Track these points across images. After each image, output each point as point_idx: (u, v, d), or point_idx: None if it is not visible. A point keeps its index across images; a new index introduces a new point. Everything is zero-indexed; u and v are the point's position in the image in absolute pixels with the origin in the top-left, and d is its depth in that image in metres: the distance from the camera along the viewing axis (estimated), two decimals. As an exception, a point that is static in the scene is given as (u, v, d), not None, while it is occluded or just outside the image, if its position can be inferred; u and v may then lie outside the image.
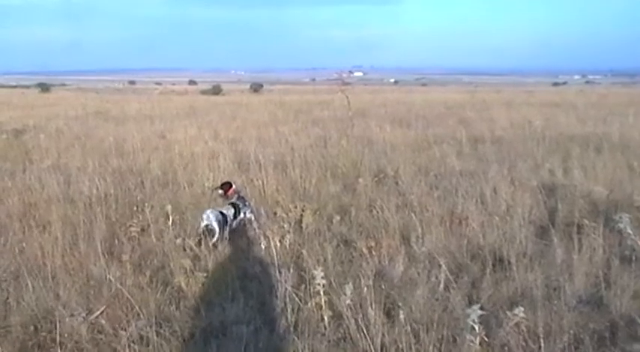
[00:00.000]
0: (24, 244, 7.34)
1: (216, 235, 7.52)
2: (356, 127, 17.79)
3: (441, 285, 5.81)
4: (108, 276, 6.17)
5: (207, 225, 7.64)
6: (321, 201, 9.36)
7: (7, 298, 5.98)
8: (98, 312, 5.46)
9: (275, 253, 6.69)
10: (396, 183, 10.77)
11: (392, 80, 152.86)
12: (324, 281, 4.72)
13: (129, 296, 5.63)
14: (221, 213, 7.85)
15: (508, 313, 4.79)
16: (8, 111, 30.41)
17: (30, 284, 5.95)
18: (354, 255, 6.94)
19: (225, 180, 9.27)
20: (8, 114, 28.18)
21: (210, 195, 9.53)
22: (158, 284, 6.12)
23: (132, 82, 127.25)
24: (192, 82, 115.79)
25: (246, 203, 8.43)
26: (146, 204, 8.99)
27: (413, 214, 8.13)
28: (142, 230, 7.85)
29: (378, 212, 8.62)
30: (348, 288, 4.98)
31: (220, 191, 8.62)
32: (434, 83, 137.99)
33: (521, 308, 4.65)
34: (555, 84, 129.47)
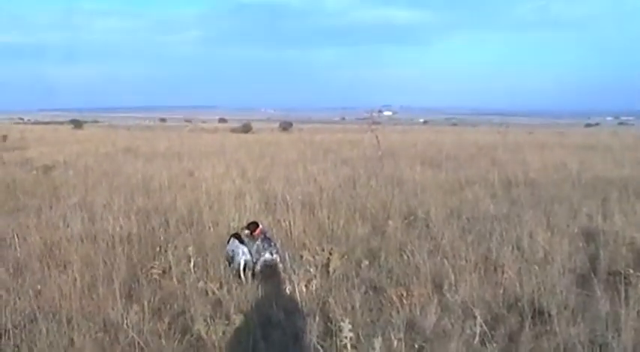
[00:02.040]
0: (41, 285, 7.10)
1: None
2: (385, 167, 17.59)
3: (477, 338, 5.42)
4: (125, 322, 5.88)
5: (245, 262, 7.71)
6: (349, 243, 9.07)
7: (21, 342, 5.72)
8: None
9: (300, 299, 6.40)
10: (427, 226, 10.42)
11: (421, 120, 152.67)
12: (351, 335, 4.38)
13: (144, 346, 5.34)
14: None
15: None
16: (40, 147, 30.62)
17: (44, 329, 5.70)
18: (384, 303, 6.58)
19: (251, 220, 9.01)
20: (40, 150, 28.33)
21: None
22: (176, 331, 5.83)
23: (163, 120, 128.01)
24: (222, 120, 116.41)
25: (272, 244, 8.15)
26: (169, 245, 8.78)
27: (445, 260, 7.78)
28: (164, 272, 7.60)
29: (408, 257, 8.29)
30: (377, 342, 4.61)
31: (247, 231, 8.35)
32: (464, 123, 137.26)
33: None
34: (588, 125, 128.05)
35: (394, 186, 14.80)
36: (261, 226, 8.40)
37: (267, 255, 7.89)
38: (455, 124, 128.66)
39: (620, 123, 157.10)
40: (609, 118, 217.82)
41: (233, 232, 9.36)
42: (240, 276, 7.51)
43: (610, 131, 72.83)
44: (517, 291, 6.78)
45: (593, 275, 7.10)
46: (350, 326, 4.33)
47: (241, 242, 8.15)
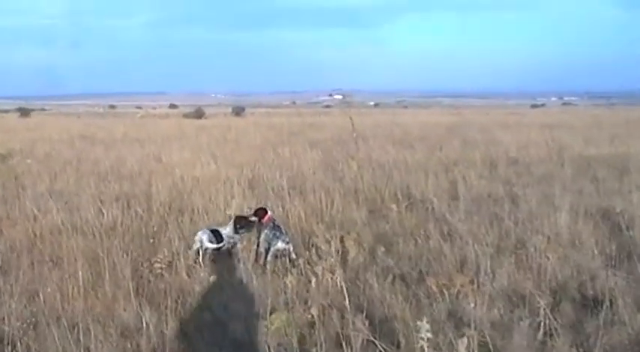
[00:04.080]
0: (36, 284, 6.40)
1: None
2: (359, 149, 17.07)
3: (541, 330, 4.92)
4: (144, 324, 5.24)
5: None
6: (354, 229, 8.50)
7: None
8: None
9: (329, 292, 5.86)
10: (427, 209, 9.97)
11: (371, 103, 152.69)
12: (429, 335, 3.84)
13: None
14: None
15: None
16: (-13, 136, 29.27)
17: (53, 336, 5.03)
18: (418, 293, 6.02)
19: (260, 206, 8.43)
20: (-11, 139, 27.05)
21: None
22: (205, 333, 5.21)
23: (112, 106, 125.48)
24: (173, 106, 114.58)
25: (283, 231, 7.59)
26: (162, 235, 8.17)
27: (467, 245, 7.29)
28: (169, 265, 6.94)
29: (422, 242, 7.81)
30: (462, 343, 4.06)
31: (254, 218, 7.75)
32: (414, 105, 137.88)
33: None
34: (534, 105, 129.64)
35: (374, 168, 14.38)
36: (270, 213, 7.82)
37: (280, 244, 7.35)
38: (406, 107, 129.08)
39: (564, 104, 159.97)
40: (554, 99, 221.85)
41: (225, 216, 8.86)
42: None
43: (558, 111, 74.00)
44: (558, 277, 6.31)
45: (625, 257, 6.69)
46: (428, 326, 3.79)
47: (241, 227, 7.67)
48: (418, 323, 3.85)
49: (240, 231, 7.63)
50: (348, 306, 5.38)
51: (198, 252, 7.34)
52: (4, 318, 5.57)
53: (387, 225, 8.93)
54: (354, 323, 5.01)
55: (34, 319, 5.55)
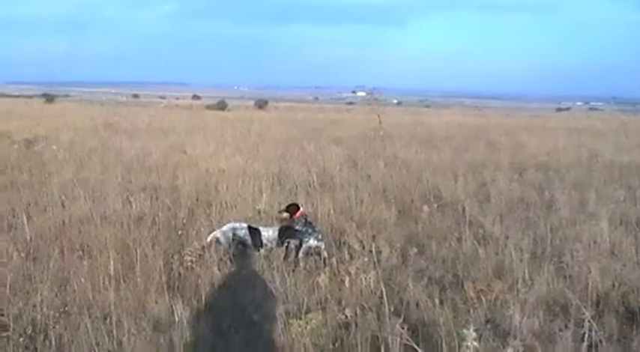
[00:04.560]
0: (66, 273, 6.31)
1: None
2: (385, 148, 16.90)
3: (585, 343, 4.75)
4: (176, 318, 5.14)
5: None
6: (386, 229, 8.36)
7: (60, 341, 4.97)
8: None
9: (362, 293, 5.73)
10: (457, 211, 9.82)
11: (394, 101, 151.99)
12: (476, 345, 3.70)
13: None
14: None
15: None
16: (14, 121, 29.29)
17: (86, 327, 4.93)
18: (454, 299, 5.86)
19: (291, 202, 8.32)
20: (15, 124, 27.05)
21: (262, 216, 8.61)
22: (236, 330, 5.09)
23: (135, 96, 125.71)
24: (195, 97, 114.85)
25: (315, 228, 7.46)
26: (191, 228, 8.08)
27: (504, 250, 7.13)
28: (200, 258, 6.83)
29: (455, 245, 7.66)
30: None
31: (286, 214, 7.64)
32: (436, 105, 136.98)
33: None
34: (559, 109, 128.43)
35: (401, 168, 14.23)
36: (302, 209, 7.70)
37: (312, 241, 7.23)
38: (428, 106, 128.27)
39: (591, 109, 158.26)
40: (579, 103, 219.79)
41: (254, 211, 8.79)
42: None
43: (584, 115, 73.26)
44: (599, 287, 6.13)
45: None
46: (474, 334, 3.65)
47: (286, 237, 7.50)
48: (464, 330, 3.71)
49: (285, 241, 7.42)
50: (386, 309, 5.23)
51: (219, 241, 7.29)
52: (35, 306, 5.50)
53: (418, 227, 8.78)
54: (392, 326, 4.87)
55: (65, 308, 5.48)
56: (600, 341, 4.78)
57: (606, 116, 75.22)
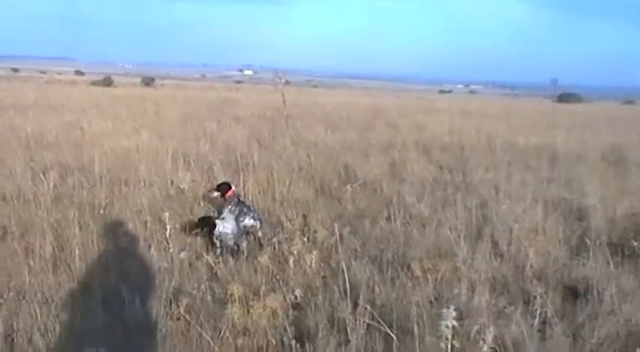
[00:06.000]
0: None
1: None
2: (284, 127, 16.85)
3: (536, 320, 4.87)
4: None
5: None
6: (313, 209, 8.31)
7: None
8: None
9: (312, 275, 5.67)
10: (375, 190, 9.93)
11: (282, 80, 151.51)
12: (455, 323, 3.68)
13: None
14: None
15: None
16: None
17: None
18: (400, 277, 5.86)
19: (222, 180, 8.09)
20: None
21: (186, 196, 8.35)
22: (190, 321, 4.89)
23: (15, 70, 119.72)
24: (79, 72, 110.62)
25: (250, 207, 7.30)
26: (110, 206, 7.79)
27: (438, 230, 7.24)
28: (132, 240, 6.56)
29: (383, 224, 7.71)
30: (489, 333, 3.92)
31: (216, 193, 7.41)
32: (323, 85, 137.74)
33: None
34: (442, 91, 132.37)
35: (309, 147, 14.23)
36: (233, 187, 7.50)
37: (248, 221, 7.05)
38: (315, 86, 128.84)
39: (471, 92, 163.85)
40: (460, 86, 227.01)
41: (177, 190, 8.50)
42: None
43: (465, 98, 75.82)
44: (533, 265, 6.31)
45: (591, 245, 6.75)
46: (454, 313, 3.66)
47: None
48: (444, 310, 3.70)
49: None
50: (337, 289, 5.20)
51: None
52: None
53: (342, 206, 8.78)
54: (347, 306, 4.83)
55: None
56: (552, 316, 4.91)
57: (488, 99, 78.11)
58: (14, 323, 4.69)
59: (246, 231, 6.99)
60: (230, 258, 6.21)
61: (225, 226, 6.76)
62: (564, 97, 67.61)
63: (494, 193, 9.37)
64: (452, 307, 3.66)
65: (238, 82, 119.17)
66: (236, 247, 6.67)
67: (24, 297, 5.10)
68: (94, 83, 60.02)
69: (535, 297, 4.96)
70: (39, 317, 4.72)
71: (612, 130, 22.86)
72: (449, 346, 3.73)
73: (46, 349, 4.43)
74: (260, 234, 7.00)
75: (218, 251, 6.62)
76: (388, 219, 7.87)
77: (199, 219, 7.37)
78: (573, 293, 5.71)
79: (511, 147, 15.95)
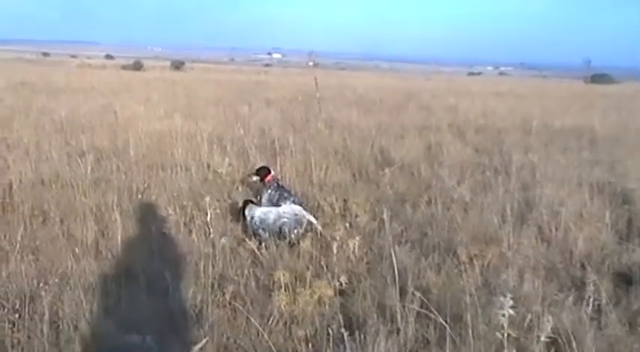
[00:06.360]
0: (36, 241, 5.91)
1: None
2: (316, 110, 16.73)
3: (589, 307, 4.74)
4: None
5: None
6: (352, 193, 8.17)
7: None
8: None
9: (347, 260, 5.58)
10: (412, 174, 9.79)
11: (310, 63, 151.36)
12: (511, 312, 3.56)
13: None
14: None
15: None
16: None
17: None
18: (446, 263, 5.75)
19: (261, 164, 8.02)
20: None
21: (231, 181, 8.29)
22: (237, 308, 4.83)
23: (45, 54, 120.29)
24: (109, 56, 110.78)
25: (290, 192, 7.21)
26: (148, 190, 7.76)
27: (480, 215, 7.10)
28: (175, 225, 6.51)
29: (424, 208, 7.58)
30: (547, 323, 3.80)
31: (256, 178, 7.35)
32: (351, 68, 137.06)
33: None
34: (471, 73, 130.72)
35: (343, 130, 14.12)
36: (273, 172, 7.41)
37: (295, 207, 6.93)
38: (343, 69, 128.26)
39: (501, 73, 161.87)
40: (489, 68, 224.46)
41: (215, 174, 8.43)
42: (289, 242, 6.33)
43: (495, 80, 74.96)
44: (581, 251, 6.16)
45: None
46: (511, 302, 3.55)
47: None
48: (501, 298, 3.60)
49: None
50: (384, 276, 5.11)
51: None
52: (8, 277, 5.13)
53: (380, 190, 8.66)
54: (397, 292, 4.74)
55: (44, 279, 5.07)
56: (606, 303, 4.79)
57: (518, 81, 77.13)
58: (59, 310, 4.66)
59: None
60: (272, 244, 6.09)
61: (263, 214, 6.62)
62: (596, 78, 66.45)
63: (534, 176, 9.21)
64: (508, 295, 3.55)
65: (267, 65, 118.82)
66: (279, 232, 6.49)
67: (67, 283, 5.06)
68: (124, 67, 60.31)
69: (587, 284, 4.82)
70: (84, 303, 4.69)
71: (648, 111, 22.39)
72: (505, 335, 3.63)
73: (92, 336, 4.39)
74: (304, 220, 6.79)
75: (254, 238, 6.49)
76: (429, 202, 7.76)
77: (244, 202, 7.16)
78: (625, 280, 5.55)
79: (547, 129, 15.63)
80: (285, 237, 6.29)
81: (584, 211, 7.31)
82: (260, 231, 6.49)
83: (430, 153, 11.65)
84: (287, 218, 6.50)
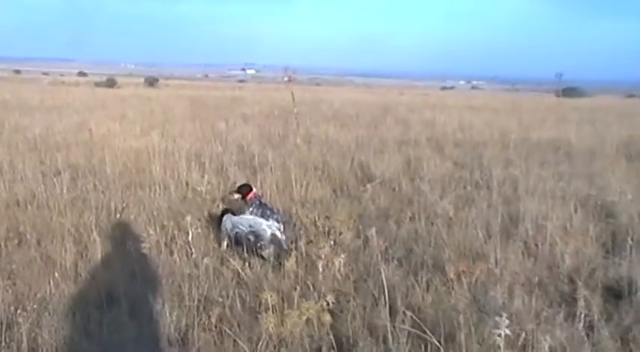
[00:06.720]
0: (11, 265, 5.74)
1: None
2: (293, 126, 16.69)
3: (581, 323, 4.68)
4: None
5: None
6: (335, 209, 8.06)
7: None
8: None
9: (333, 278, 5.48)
10: (394, 189, 9.73)
11: (286, 78, 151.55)
12: (507, 332, 3.49)
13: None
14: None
15: None
16: None
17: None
18: (433, 280, 5.65)
19: (241, 181, 7.91)
20: None
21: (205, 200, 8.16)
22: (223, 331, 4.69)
23: (17, 71, 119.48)
24: (82, 73, 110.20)
25: (273, 209, 7.08)
26: (125, 210, 7.62)
27: (465, 229, 7.04)
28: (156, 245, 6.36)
29: (407, 224, 7.51)
30: (545, 341, 3.74)
31: (237, 195, 7.21)
32: (326, 83, 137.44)
33: None
34: (444, 88, 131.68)
35: (321, 145, 14.09)
36: (254, 189, 7.29)
37: (276, 224, 6.81)
38: (318, 84, 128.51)
39: (473, 87, 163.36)
40: (462, 82, 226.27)
41: (194, 192, 8.31)
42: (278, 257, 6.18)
43: (468, 94, 75.63)
44: (568, 265, 6.11)
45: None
46: (507, 321, 3.47)
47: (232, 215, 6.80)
48: (496, 318, 3.52)
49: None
50: (372, 295, 5.01)
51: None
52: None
53: (362, 206, 8.57)
54: (387, 312, 4.64)
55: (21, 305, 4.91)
56: (598, 319, 4.72)
57: (491, 94, 77.88)
58: (38, 337, 4.50)
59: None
60: (256, 263, 5.97)
61: (240, 223, 6.51)
62: (567, 92, 67.18)
63: (516, 190, 9.20)
64: (504, 315, 3.48)
65: (241, 80, 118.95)
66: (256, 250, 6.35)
67: (46, 308, 4.90)
68: (97, 84, 59.96)
69: (578, 299, 4.76)
70: (64, 329, 4.54)
71: (622, 124, 22.62)
72: (501, 356, 3.55)
73: (74, 364, 4.25)
74: (283, 237, 6.71)
75: (225, 244, 6.41)
76: (412, 218, 7.69)
77: (223, 210, 7.01)
78: (614, 295, 5.50)
79: (525, 143, 15.70)
80: (251, 249, 6.20)
81: (568, 225, 7.26)
82: (227, 239, 6.43)
83: (410, 168, 11.60)
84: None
